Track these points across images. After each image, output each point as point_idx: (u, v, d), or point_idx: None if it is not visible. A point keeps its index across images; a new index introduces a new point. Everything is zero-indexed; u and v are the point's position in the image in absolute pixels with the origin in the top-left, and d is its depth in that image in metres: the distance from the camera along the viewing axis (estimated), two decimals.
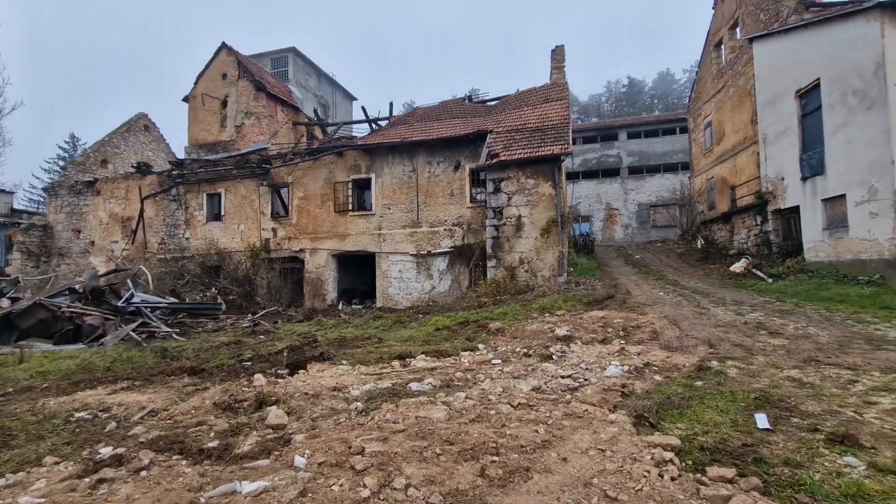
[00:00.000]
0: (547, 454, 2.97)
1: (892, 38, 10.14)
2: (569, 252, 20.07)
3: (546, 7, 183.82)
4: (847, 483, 2.47)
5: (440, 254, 17.74)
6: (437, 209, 17.95)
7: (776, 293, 10.79)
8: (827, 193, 12.35)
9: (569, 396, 4.19)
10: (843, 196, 11.75)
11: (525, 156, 14.69)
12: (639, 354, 5.70)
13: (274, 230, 20.19)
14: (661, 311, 8.67)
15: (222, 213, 21.04)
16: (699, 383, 4.48)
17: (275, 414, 3.98)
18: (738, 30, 20.20)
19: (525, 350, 6.38)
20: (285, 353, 7.43)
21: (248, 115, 23.59)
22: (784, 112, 14.21)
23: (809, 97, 13.06)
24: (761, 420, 3.43)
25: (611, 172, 35.86)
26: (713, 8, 22.81)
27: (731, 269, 14.94)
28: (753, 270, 14.15)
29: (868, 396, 3.93)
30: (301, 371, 5.97)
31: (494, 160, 14.96)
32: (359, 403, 4.38)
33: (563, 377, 4.86)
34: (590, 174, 36.29)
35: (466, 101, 21.48)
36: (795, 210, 13.99)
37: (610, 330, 7.26)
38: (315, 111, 25.06)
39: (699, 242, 21.03)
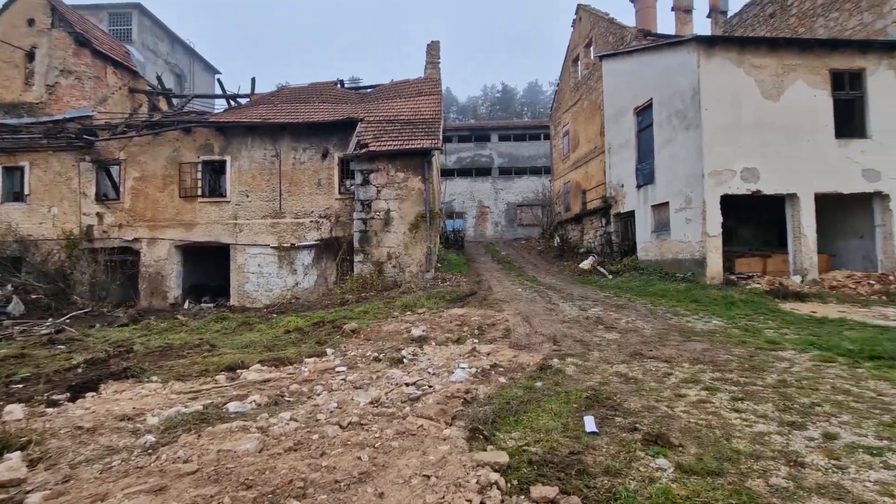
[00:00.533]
0: (363, 490, 2.53)
1: (706, 69, 11.88)
2: (439, 248, 20.27)
3: (429, 10, 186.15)
4: (657, 491, 2.46)
5: (305, 247, 16.55)
6: (302, 199, 16.70)
7: (614, 289, 11.98)
8: (655, 200, 14.14)
9: (408, 409, 3.84)
10: (667, 203, 13.53)
11: (396, 148, 14.30)
12: (489, 355, 5.64)
13: (100, 215, 16.92)
14: (517, 308, 8.95)
15: (26, 191, 17.01)
16: (539, 384, 4.48)
17: (7, 466, 2.93)
18: (591, 48, 22.28)
19: (376, 354, 5.94)
20: (80, 369, 5.97)
21: (65, 73, 19.37)
22: (625, 126, 15.97)
23: (644, 114, 14.82)
24: (589, 423, 3.43)
25: (483, 172, 37.43)
26: (572, 26, 24.90)
27: (581, 266, 16.40)
28: (598, 268, 15.69)
29: (679, 389, 4.25)
30: (90, 394, 4.75)
31: (364, 150, 14.30)
32: (151, 437, 3.49)
33: (407, 385, 4.51)
34: (464, 172, 37.44)
35: (338, 85, 20.35)
36: (632, 214, 15.83)
37: (466, 329, 7.19)
38: (159, 78, 21.57)
39: (556, 241, 22.88)
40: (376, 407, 3.91)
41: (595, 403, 3.87)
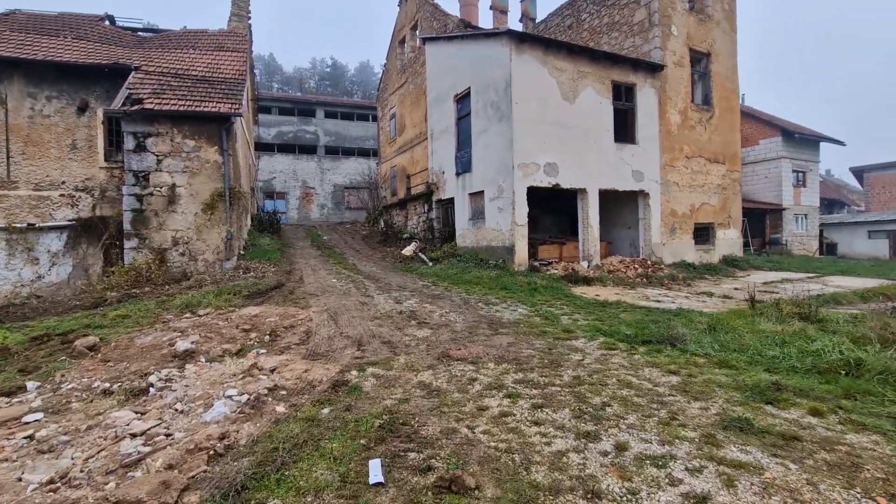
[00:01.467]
0: None
1: (517, 64, 12.44)
2: (250, 231, 17.80)
3: None
4: None
5: (54, 228, 12.65)
6: (48, 165, 12.71)
7: (433, 276, 11.85)
8: (472, 189, 14.52)
9: (112, 485, 2.56)
10: (482, 192, 13.99)
11: (184, 108, 11.67)
12: (273, 371, 4.54)
13: None
14: (326, 304, 7.93)
15: None
16: (326, 411, 3.60)
17: None
18: (417, 31, 22.02)
19: (109, 384, 4.29)
20: None
21: None
22: (446, 112, 16.04)
23: (463, 102, 15.03)
24: (374, 470, 2.69)
25: (308, 149, 34.72)
26: (399, 6, 24.30)
27: (403, 252, 16.10)
28: (419, 254, 15.59)
29: (482, 399, 3.85)
30: None
31: (136, 107, 11.29)
32: None
33: (133, 436, 3.16)
34: (286, 148, 34.16)
35: (106, 22, 15.94)
36: (452, 201, 16.08)
37: (254, 335, 5.90)
38: None
39: (381, 225, 22.34)
40: (55, 491, 2.52)
41: (388, 434, 3.17)
